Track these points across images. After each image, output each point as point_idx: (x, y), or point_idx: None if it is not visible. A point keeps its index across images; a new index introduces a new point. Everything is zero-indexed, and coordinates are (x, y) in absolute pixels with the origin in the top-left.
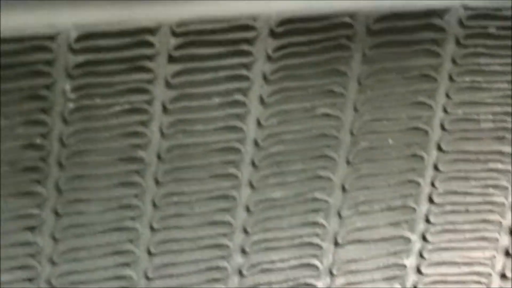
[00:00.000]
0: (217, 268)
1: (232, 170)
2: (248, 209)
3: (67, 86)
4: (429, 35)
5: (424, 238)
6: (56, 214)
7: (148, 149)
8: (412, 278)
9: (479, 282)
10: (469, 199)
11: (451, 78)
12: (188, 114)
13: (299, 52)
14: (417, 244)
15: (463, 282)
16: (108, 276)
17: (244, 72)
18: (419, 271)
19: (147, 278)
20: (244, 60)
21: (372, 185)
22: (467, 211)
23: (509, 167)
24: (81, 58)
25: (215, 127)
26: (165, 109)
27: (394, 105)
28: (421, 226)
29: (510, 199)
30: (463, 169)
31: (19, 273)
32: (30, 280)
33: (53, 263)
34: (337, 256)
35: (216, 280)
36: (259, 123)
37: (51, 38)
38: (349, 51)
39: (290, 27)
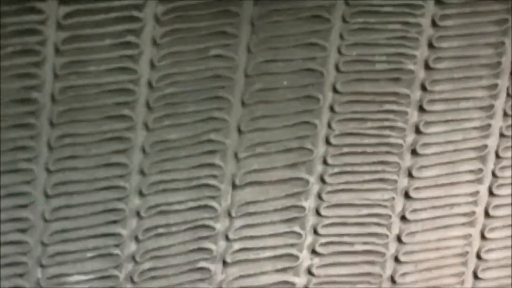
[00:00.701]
0: (114, 210)
1: (126, 111)
2: (144, 151)
3: None
4: None
5: (322, 180)
6: None
7: (41, 90)
8: (311, 220)
9: (379, 224)
10: (366, 140)
11: (344, 19)
12: (81, 55)
13: None
14: (315, 186)
15: (363, 224)
16: (5, 218)
17: (136, 13)
18: (318, 213)
19: (45, 220)
20: (135, 1)
21: (268, 127)
22: (364, 153)
23: (405, 108)
24: None
25: (108, 68)
26: (57, 51)
27: (287, 47)
28: (318, 167)
29: (407, 140)
30: (359, 111)
31: None
32: None
33: None
34: (235, 198)
35: (113, 222)
36: (152, 65)
37: None
38: None
39: None
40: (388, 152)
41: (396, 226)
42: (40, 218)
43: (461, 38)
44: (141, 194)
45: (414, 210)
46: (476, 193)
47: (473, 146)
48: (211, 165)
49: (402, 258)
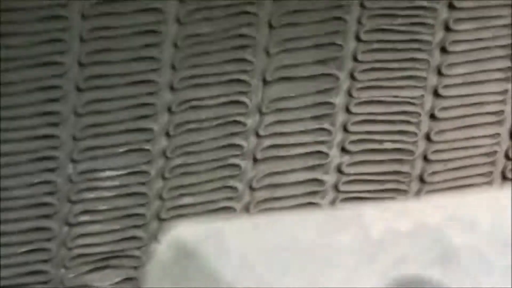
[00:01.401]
0: (146, 104)
1: (157, 4)
2: (175, 45)
3: None
4: None
5: (352, 77)
6: None
7: None
8: (341, 117)
9: (408, 122)
10: (396, 37)
11: None
12: None
13: None
14: (345, 83)
15: (392, 122)
16: (36, 111)
17: None
18: (348, 110)
19: (76, 114)
20: None
21: (299, 22)
22: (394, 49)
23: (435, 5)
24: None
25: None
26: None
27: None
28: (349, 64)
29: (436, 38)
30: (389, 6)
31: None
32: None
33: None
34: (265, 94)
35: (145, 117)
36: None
37: None
38: None
39: None
40: (418, 49)
41: (425, 124)
42: (71, 112)
43: None
44: (172, 88)
45: (443, 108)
46: (505, 91)
47: (502, 44)
48: (242, 60)
49: (431, 157)
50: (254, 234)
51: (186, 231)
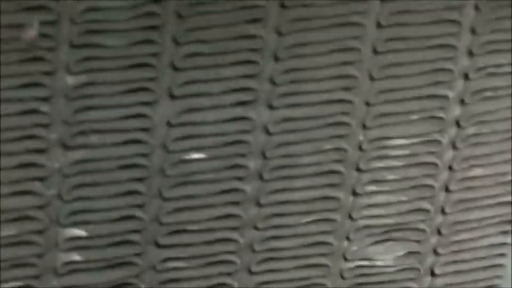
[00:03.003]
0: (442, 70)
1: None
2: (476, 7)
3: None
4: None
5: None
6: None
7: None
8: None
9: None
10: None
11: None
12: None
13: None
14: None
15: None
16: (333, 74)
17: None
18: None
19: (371, 77)
20: None
21: None
22: None
23: None
24: None
25: None
26: None
27: None
28: None
29: None
30: None
31: None
32: None
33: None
34: None
35: (440, 83)
36: None
37: None
38: None
39: None
40: None
41: None
42: (367, 75)
43: None
44: (470, 53)
45: None
46: None
47: None
48: None
49: None
50: None
51: None
